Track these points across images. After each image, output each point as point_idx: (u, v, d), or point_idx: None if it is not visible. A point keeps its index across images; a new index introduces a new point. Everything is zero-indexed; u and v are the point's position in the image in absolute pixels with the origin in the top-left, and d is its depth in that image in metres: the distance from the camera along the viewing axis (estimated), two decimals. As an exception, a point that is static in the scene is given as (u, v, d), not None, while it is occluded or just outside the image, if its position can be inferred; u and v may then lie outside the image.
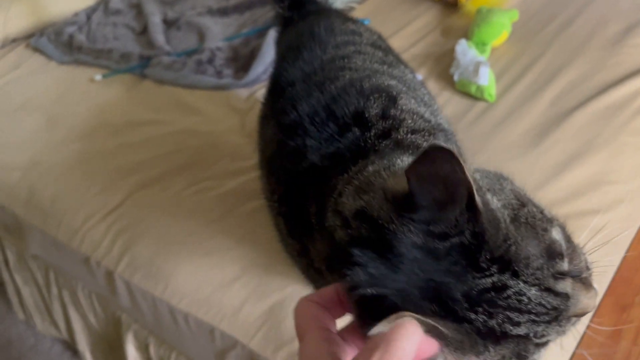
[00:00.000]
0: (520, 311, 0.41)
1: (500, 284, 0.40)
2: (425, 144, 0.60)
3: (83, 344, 1.51)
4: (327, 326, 0.43)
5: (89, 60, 1.61)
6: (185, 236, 1.04)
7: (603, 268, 0.94)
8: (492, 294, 0.40)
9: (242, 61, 1.46)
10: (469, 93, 1.16)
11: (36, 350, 1.75)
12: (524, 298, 0.40)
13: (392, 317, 0.38)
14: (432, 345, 0.39)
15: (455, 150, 0.38)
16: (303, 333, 0.43)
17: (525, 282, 0.40)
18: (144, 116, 1.37)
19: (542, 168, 0.99)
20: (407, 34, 1.41)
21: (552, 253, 0.42)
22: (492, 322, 0.40)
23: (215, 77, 1.43)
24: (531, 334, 0.41)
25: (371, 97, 0.66)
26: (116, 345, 1.37)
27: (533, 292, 0.41)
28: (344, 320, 0.46)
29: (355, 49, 0.79)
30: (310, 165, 0.62)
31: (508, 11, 1.30)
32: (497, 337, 0.41)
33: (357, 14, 1.55)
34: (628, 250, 1.03)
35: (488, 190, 0.45)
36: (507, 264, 0.40)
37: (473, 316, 0.40)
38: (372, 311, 0.41)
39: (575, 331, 0.85)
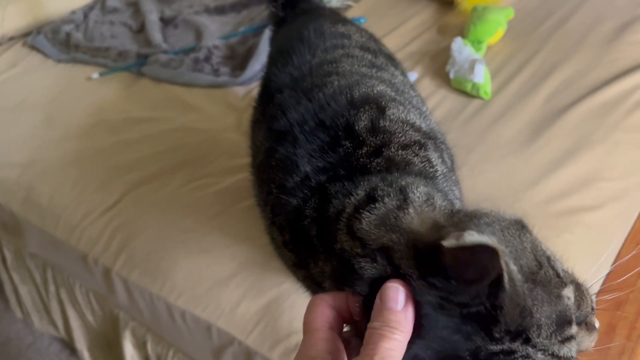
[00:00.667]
0: None
1: (509, 350, 0.42)
2: (416, 160, 0.61)
3: (81, 342, 1.51)
4: (334, 327, 0.45)
5: (86, 58, 1.61)
6: (183, 233, 1.05)
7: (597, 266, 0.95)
8: (501, 356, 0.42)
9: (239, 59, 1.46)
10: (464, 91, 1.16)
11: (34, 348, 1.75)
12: None
13: None
14: None
15: (500, 250, 0.39)
16: (309, 328, 0.45)
17: (533, 347, 0.42)
18: (141, 114, 1.37)
19: (537, 165, 0.99)
20: (404, 32, 1.41)
21: (563, 320, 0.44)
22: None
23: (212, 75, 1.43)
24: None
25: (360, 108, 0.65)
26: (114, 343, 1.37)
27: (539, 356, 0.43)
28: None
29: (344, 52, 0.79)
30: (303, 178, 0.62)
31: (504, 9, 1.31)
32: None
33: (354, 12, 1.55)
34: (623, 246, 1.03)
35: (511, 255, 0.46)
36: (520, 334, 0.42)
37: None
38: None
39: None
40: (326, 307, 0.46)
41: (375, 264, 0.47)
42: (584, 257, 0.90)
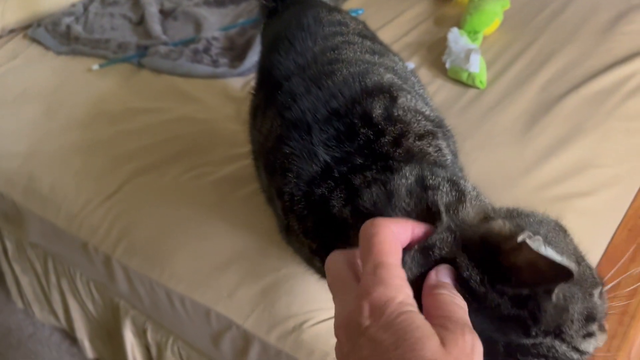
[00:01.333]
0: (546, 358, 0.45)
1: (540, 343, 0.45)
2: (431, 149, 0.63)
3: (81, 332, 1.53)
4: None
5: (86, 50, 1.62)
6: (182, 221, 1.06)
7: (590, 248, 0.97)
8: (530, 348, 0.45)
9: (237, 50, 1.48)
10: (460, 80, 1.18)
11: (35, 338, 1.77)
12: (554, 351, 0.45)
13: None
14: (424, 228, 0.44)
15: (576, 274, 0.41)
16: (380, 259, 0.41)
17: (562, 340, 0.45)
18: (141, 104, 1.38)
19: (532, 152, 1.01)
20: (401, 23, 1.42)
21: (590, 317, 0.46)
22: None
23: (211, 66, 1.44)
24: None
25: (375, 97, 0.66)
26: (114, 332, 1.39)
27: (563, 348, 0.45)
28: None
29: (343, 39, 0.80)
30: (324, 168, 0.62)
31: (500, 0, 1.32)
32: None
33: (351, 4, 1.56)
34: (616, 233, 1.05)
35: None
36: (555, 330, 0.44)
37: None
38: None
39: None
40: (394, 236, 0.43)
41: None
42: (576, 242, 0.91)
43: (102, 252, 1.13)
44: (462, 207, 0.51)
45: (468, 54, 1.14)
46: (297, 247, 0.71)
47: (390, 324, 0.37)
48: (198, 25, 1.63)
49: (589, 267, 0.50)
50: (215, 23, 1.64)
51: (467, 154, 1.02)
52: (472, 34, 1.25)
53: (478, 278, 0.44)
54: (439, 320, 0.39)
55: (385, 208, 0.54)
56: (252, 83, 1.35)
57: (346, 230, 0.58)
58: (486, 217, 0.49)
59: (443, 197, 0.52)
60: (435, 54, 1.27)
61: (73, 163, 1.27)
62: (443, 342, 0.36)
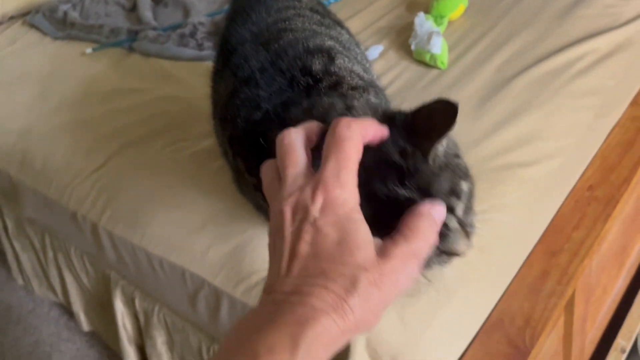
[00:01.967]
0: None
1: (412, 197, 0.52)
2: (361, 100, 0.71)
3: (77, 305, 1.61)
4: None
5: (81, 35, 1.71)
6: (162, 190, 1.15)
7: (537, 217, 1.05)
8: (404, 202, 0.52)
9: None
10: (423, 61, 1.25)
11: (34, 314, 1.85)
12: None
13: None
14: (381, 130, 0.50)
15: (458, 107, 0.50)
16: (289, 148, 0.47)
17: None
18: (129, 85, 1.47)
19: (482, 126, 1.08)
20: (375, 9, 1.50)
21: (454, 193, 0.55)
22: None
23: (196, 49, 1.53)
24: None
25: (314, 55, 0.76)
26: (106, 304, 1.47)
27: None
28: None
29: (295, 12, 0.90)
30: (264, 113, 0.72)
31: (466, -14, 1.39)
32: None
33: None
34: (564, 203, 1.13)
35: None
36: (423, 188, 0.52)
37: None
38: None
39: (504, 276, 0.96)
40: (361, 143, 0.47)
41: None
42: (516, 207, 0.99)
43: (90, 220, 1.22)
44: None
45: (430, 36, 1.22)
46: (247, 192, 0.80)
47: (340, 224, 0.42)
48: (186, 12, 1.72)
49: (465, 164, 0.59)
50: (203, 9, 1.72)
51: (423, 128, 1.11)
52: (438, 18, 1.33)
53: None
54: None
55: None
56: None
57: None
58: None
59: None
60: (403, 37, 1.34)
61: (64, 139, 1.35)
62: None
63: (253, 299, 0.96)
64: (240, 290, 0.97)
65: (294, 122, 0.52)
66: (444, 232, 0.55)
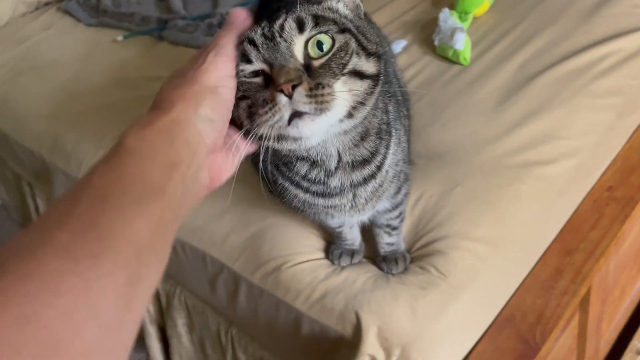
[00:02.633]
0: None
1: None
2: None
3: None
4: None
5: (112, 22, 1.75)
6: (186, 176, 1.18)
7: (554, 215, 1.05)
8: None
9: (248, 25, 1.58)
10: (446, 57, 1.27)
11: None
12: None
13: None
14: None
15: None
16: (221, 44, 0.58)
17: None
18: (158, 73, 1.50)
19: (502, 123, 1.09)
20: (400, 3, 1.51)
21: (315, 21, 0.58)
22: None
23: (223, 39, 1.55)
24: None
25: None
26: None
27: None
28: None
29: None
30: None
31: (491, -17, 1.39)
32: None
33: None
34: (582, 203, 1.13)
35: None
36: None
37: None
38: None
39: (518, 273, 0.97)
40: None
41: None
42: (533, 204, 1.00)
43: (116, 202, 1.26)
44: None
45: (454, 32, 1.23)
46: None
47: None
48: (215, 2, 1.75)
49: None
50: (231, 0, 1.75)
51: (443, 124, 1.12)
52: (463, 14, 1.33)
53: None
54: None
55: None
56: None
57: None
58: None
59: None
60: (427, 32, 1.35)
61: (94, 123, 1.40)
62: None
63: (270, 285, 0.99)
64: (258, 276, 1.01)
65: None
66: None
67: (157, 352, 1.43)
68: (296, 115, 0.57)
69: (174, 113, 0.51)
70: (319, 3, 0.60)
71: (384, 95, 0.73)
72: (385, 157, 0.75)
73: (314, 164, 0.72)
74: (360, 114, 0.61)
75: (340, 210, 0.79)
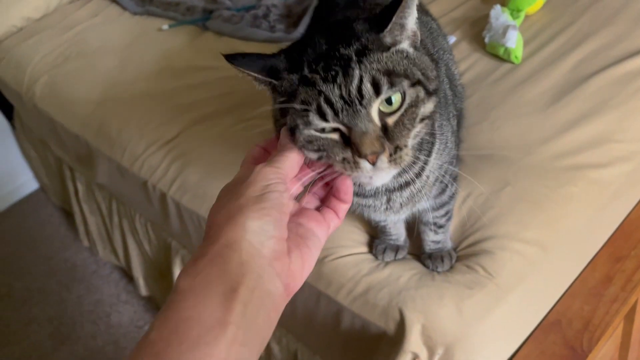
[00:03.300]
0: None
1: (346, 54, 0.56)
2: None
3: (137, 271, 1.69)
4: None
5: (158, 11, 1.77)
6: (228, 165, 1.18)
7: (605, 220, 1.02)
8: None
9: (293, 17, 1.58)
10: (497, 55, 1.24)
11: (97, 275, 1.94)
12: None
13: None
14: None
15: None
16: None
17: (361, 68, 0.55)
18: (202, 63, 1.51)
19: (553, 124, 1.06)
20: (451, -1, 1.49)
21: (389, 76, 0.56)
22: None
23: (268, 31, 1.55)
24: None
25: None
26: (166, 271, 1.53)
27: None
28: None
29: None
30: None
31: (546, -19, 1.36)
32: None
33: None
34: (634, 208, 1.10)
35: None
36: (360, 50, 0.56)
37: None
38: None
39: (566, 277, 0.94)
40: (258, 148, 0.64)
41: None
42: (584, 208, 0.98)
43: (159, 189, 1.27)
44: None
45: (506, 29, 1.20)
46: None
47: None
48: (261, -7, 1.74)
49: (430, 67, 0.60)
50: (276, -9, 1.74)
51: (492, 122, 1.10)
52: (515, 12, 1.31)
53: None
54: None
55: None
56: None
57: None
58: None
59: None
60: (477, 29, 1.33)
61: (139, 110, 1.41)
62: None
63: (312, 277, 0.98)
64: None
65: None
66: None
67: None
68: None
69: (222, 238, 0.48)
70: (387, 48, 0.57)
71: None
72: (425, 164, 0.73)
73: None
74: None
75: (375, 211, 0.79)
